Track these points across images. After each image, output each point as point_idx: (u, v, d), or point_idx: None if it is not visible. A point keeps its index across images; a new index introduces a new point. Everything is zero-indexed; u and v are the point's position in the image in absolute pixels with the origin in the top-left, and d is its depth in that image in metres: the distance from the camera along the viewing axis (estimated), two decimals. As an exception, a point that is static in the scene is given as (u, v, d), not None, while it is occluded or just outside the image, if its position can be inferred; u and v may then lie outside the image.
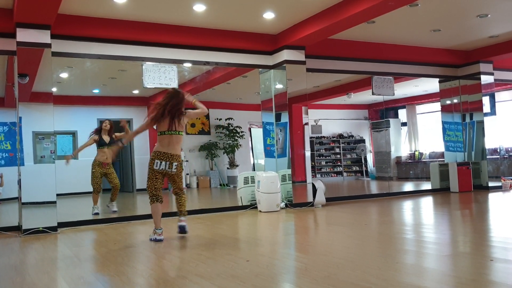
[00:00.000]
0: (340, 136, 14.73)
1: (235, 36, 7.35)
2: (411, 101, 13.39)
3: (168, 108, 4.78)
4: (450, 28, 7.71)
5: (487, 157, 9.41)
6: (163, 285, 3.16)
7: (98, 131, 7.47)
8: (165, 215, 6.89)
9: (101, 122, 7.78)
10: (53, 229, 5.78)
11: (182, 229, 4.94)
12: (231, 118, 12.80)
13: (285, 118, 7.74)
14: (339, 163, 14.58)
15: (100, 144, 7.40)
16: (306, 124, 7.88)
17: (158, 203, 4.86)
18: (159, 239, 4.80)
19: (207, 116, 12.61)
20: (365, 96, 12.16)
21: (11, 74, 6.52)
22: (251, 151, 13.10)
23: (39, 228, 5.70)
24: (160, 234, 4.82)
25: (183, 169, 5.14)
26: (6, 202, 8.19)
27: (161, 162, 4.77)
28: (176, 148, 4.86)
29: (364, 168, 14.48)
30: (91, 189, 7.38)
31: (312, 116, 12.99)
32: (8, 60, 6.56)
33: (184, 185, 5.12)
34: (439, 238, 4.61)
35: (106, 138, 7.43)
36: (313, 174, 13.40)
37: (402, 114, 14.18)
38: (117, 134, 7.56)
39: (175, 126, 4.81)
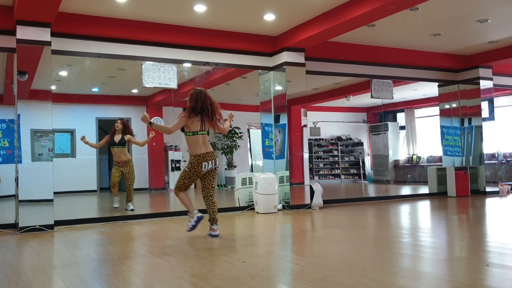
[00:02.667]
0: (339, 138, 14.74)
1: (235, 37, 7.35)
2: (410, 105, 13.42)
3: (199, 105, 4.80)
4: (450, 32, 7.73)
5: (485, 162, 9.42)
6: (159, 285, 3.16)
7: (112, 133, 7.47)
8: (163, 215, 6.93)
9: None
10: (50, 227, 5.78)
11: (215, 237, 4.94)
12: (230, 119, 12.78)
13: (284, 119, 7.75)
14: (337, 166, 14.59)
15: (110, 144, 7.43)
16: (305, 126, 7.90)
17: (181, 192, 4.93)
18: (193, 223, 4.82)
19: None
20: (364, 99, 12.17)
21: (11, 71, 6.51)
22: (249, 152, 13.09)
23: (35, 226, 5.70)
24: (192, 216, 4.84)
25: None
26: (3, 199, 8.17)
27: (208, 163, 4.83)
28: (210, 146, 4.95)
29: (362, 171, 14.49)
30: (88, 188, 7.37)
31: (310, 118, 13.01)
32: (8, 57, 6.55)
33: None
34: (435, 242, 4.62)
35: (116, 138, 7.45)
36: (311, 176, 13.40)
37: (401, 117, 14.20)
38: (131, 139, 7.53)
39: (205, 126, 4.88)
